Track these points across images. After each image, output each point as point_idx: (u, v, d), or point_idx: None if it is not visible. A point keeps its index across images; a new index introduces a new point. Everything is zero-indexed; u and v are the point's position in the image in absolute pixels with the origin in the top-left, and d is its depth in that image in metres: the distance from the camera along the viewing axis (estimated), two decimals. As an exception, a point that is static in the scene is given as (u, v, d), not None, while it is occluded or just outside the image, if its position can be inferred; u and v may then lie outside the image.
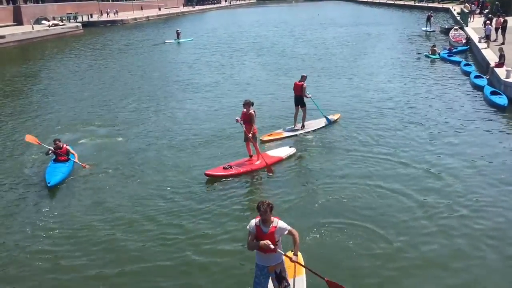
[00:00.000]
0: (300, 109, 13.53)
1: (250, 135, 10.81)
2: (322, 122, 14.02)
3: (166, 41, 40.91)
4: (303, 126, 13.59)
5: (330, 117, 14.25)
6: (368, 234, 7.95)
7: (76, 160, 11.38)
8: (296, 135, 13.30)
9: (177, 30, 42.03)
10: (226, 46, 35.81)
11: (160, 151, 12.60)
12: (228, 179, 10.50)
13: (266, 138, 12.95)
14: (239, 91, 19.48)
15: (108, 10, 73.35)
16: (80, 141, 13.61)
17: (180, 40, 40.67)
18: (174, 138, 13.72)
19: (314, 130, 13.57)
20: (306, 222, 8.39)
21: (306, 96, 13.37)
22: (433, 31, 38.39)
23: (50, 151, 11.25)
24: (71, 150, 11.58)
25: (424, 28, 39.74)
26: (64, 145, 11.45)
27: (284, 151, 11.71)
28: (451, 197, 9.17)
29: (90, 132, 14.58)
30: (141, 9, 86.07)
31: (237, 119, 10.82)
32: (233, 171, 10.68)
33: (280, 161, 11.34)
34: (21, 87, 23.03)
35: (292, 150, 11.74)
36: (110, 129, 14.89)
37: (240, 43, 38.09)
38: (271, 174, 10.54)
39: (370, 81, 20.27)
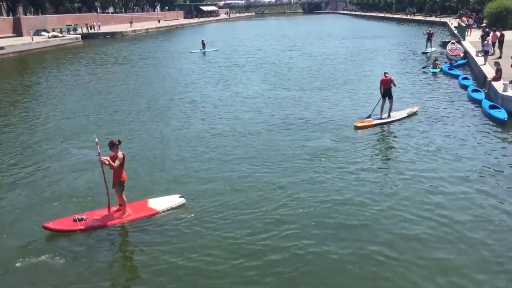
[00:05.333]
0: (387, 101, 15.65)
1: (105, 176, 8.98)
2: (404, 113, 16.26)
3: (191, 51, 41.55)
4: (389, 115, 15.73)
5: (409, 109, 16.57)
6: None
7: None
8: (383, 123, 15.37)
9: (203, 40, 42.90)
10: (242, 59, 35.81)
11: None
12: (79, 235, 8.56)
13: (359, 124, 15.01)
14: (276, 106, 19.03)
15: (94, 23, 73.68)
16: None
17: (205, 50, 41.36)
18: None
19: (398, 119, 15.65)
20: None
21: (395, 85, 15.60)
22: (436, 51, 33.72)
23: None
24: None
25: (423, 50, 34.03)
26: None
27: (167, 203, 9.57)
28: (452, 213, 9.11)
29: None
30: (130, 22, 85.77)
31: (100, 157, 8.78)
32: (82, 226, 8.70)
33: (155, 215, 9.24)
34: (18, 99, 22.93)
35: (180, 201, 9.63)
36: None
37: (242, 57, 38.21)
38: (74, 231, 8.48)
39: (371, 94, 20.33)
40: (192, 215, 9.24)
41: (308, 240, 8.21)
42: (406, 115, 16.15)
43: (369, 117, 15.67)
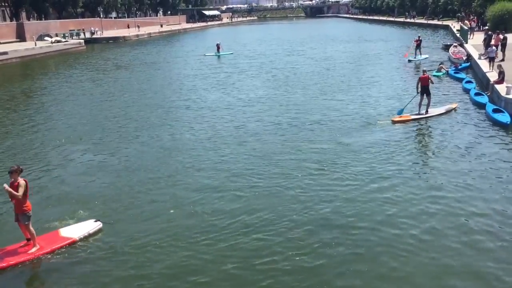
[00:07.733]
0: (425, 98, 16.31)
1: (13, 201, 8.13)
2: (442, 109, 16.95)
3: (206, 54, 41.80)
4: (427, 111, 16.38)
5: (448, 106, 17.37)
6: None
7: None
8: (421, 118, 16.06)
9: (218, 44, 42.73)
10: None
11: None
12: None
13: (397, 119, 15.79)
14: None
15: (92, 28, 73.79)
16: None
17: (220, 54, 41.25)
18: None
19: (436, 115, 16.31)
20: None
21: (432, 82, 16.54)
22: (426, 58, 31.76)
23: None
24: None
25: (410, 58, 31.70)
26: None
27: (82, 229, 8.75)
28: (455, 216, 9.06)
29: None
30: (128, 27, 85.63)
31: (5, 187, 7.95)
32: None
33: (71, 244, 8.40)
34: (19, 104, 23.01)
35: (96, 226, 8.89)
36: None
37: (257, 61, 38.19)
38: None
39: (373, 97, 20.44)
40: (111, 239, 8.58)
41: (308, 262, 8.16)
42: (444, 111, 16.71)
43: (400, 112, 16.41)
